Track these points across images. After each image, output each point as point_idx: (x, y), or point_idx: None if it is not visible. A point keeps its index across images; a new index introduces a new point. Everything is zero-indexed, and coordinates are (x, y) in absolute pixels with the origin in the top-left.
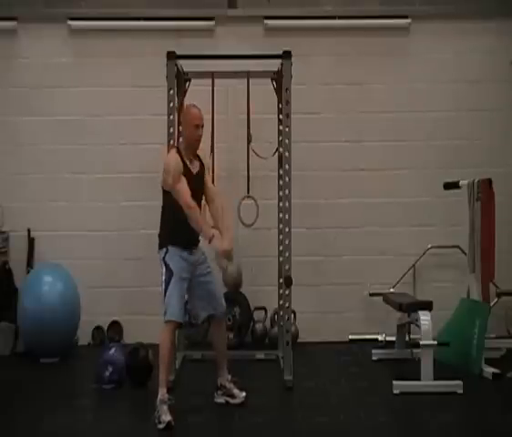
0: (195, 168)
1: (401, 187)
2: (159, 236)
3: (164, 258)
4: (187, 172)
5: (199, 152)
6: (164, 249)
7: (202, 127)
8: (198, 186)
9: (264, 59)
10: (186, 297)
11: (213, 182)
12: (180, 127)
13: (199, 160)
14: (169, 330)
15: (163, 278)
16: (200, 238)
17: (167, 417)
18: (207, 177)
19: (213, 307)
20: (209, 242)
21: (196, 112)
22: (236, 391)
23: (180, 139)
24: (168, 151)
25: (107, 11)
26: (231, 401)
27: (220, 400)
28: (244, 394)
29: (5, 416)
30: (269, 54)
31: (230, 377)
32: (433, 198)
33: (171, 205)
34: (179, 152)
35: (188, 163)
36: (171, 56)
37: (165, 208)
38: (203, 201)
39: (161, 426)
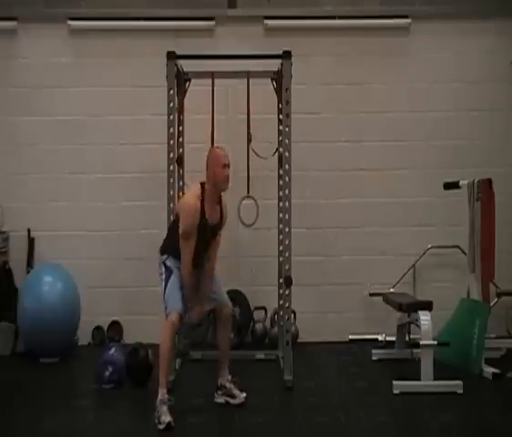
0: (214, 219)
1: (401, 187)
2: (165, 242)
3: (165, 261)
4: (203, 222)
5: (223, 202)
6: (165, 255)
7: (229, 166)
8: (210, 236)
9: (264, 59)
10: None
11: None
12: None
13: (221, 209)
14: (171, 325)
15: (163, 277)
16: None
17: (167, 418)
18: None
19: (215, 299)
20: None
21: (221, 152)
22: (236, 392)
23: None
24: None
25: (107, 11)
26: (232, 401)
27: (220, 400)
28: (244, 395)
29: (5, 416)
30: (269, 54)
31: (230, 377)
32: (433, 198)
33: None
34: (202, 193)
35: (207, 211)
36: (171, 56)
37: (175, 231)
38: None
39: (161, 427)
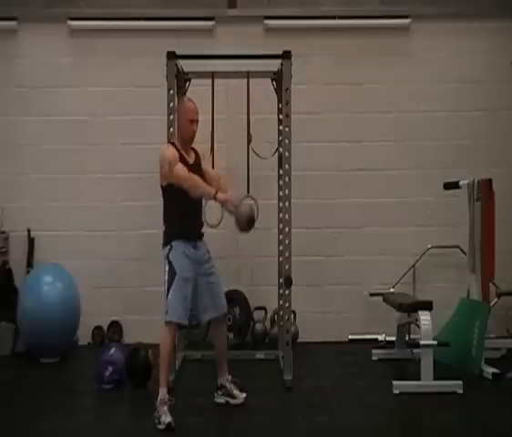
0: (191, 159)
1: (401, 187)
2: (164, 233)
3: (168, 255)
4: (183, 162)
5: (196, 150)
6: (168, 247)
7: (197, 122)
8: (196, 174)
9: (264, 59)
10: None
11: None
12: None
13: (195, 152)
14: (170, 331)
15: (166, 277)
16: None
17: (167, 418)
18: (205, 165)
19: (216, 309)
20: (215, 199)
21: (191, 106)
22: (236, 392)
23: (175, 136)
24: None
25: (107, 11)
26: (232, 401)
27: (221, 400)
28: (244, 395)
29: (5, 416)
30: (269, 54)
31: (230, 377)
32: (433, 198)
33: (172, 199)
34: (173, 144)
35: (184, 154)
36: (171, 56)
37: (166, 205)
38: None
39: (161, 427)
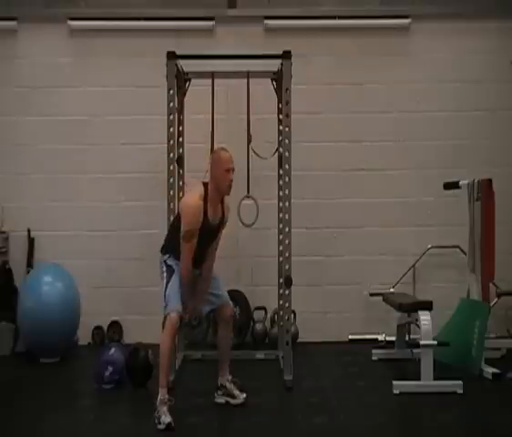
0: (215, 220)
1: (401, 187)
2: (166, 242)
3: (166, 261)
4: (206, 223)
5: (225, 202)
6: (167, 255)
7: (233, 170)
8: (212, 236)
9: (264, 59)
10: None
11: None
12: (208, 172)
13: (222, 209)
14: (171, 325)
15: (164, 275)
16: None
17: (167, 418)
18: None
19: (216, 298)
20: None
21: (227, 155)
22: (236, 392)
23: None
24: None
25: (107, 11)
26: (232, 401)
27: (221, 400)
28: (245, 395)
29: (5, 416)
30: (269, 54)
31: (230, 377)
32: (433, 198)
33: None
34: (205, 194)
35: (209, 212)
36: (171, 56)
37: (178, 226)
38: None
39: (161, 427)
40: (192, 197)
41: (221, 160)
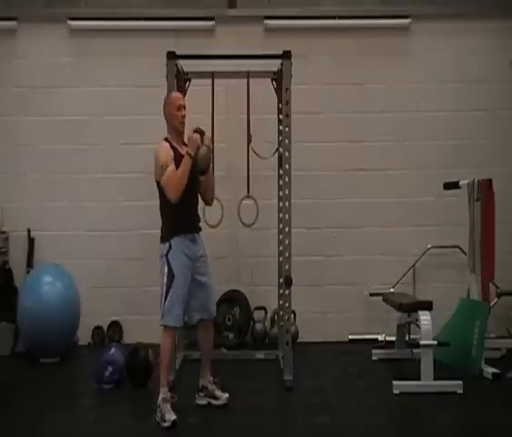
0: (184, 150)
1: (401, 187)
2: (162, 229)
3: (167, 255)
4: (178, 155)
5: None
6: (167, 244)
7: (184, 107)
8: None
9: (264, 59)
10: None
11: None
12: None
13: (185, 145)
14: (169, 334)
15: (164, 279)
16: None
17: (171, 416)
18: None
19: (206, 311)
20: (189, 155)
21: (175, 94)
22: (218, 393)
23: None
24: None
25: (107, 11)
26: (214, 402)
27: (203, 401)
28: (227, 395)
29: (5, 416)
30: (269, 54)
31: (212, 378)
32: (433, 198)
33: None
34: (166, 139)
35: (178, 148)
36: (171, 56)
37: (163, 199)
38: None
39: (166, 425)
40: (158, 145)
41: (171, 99)
